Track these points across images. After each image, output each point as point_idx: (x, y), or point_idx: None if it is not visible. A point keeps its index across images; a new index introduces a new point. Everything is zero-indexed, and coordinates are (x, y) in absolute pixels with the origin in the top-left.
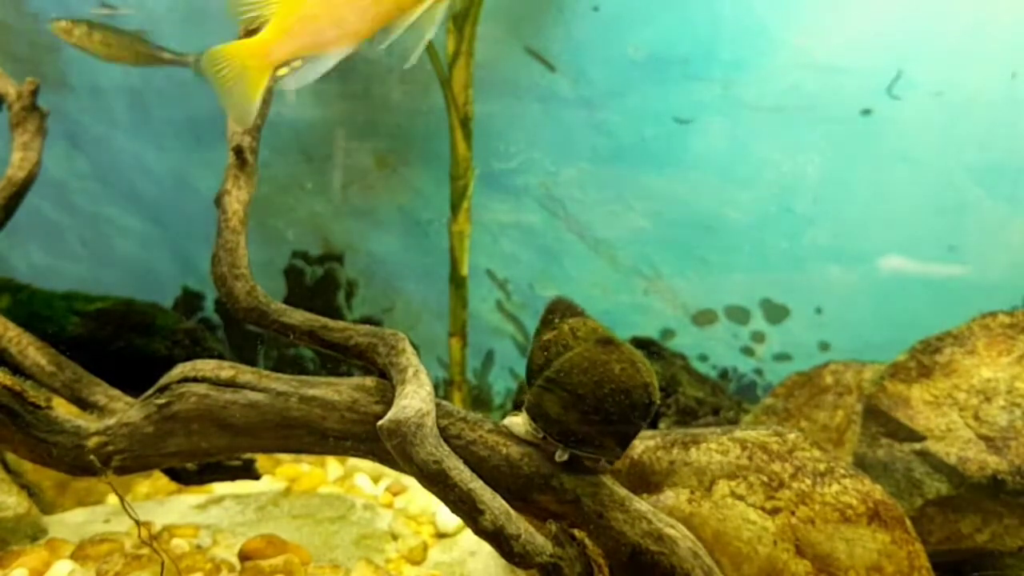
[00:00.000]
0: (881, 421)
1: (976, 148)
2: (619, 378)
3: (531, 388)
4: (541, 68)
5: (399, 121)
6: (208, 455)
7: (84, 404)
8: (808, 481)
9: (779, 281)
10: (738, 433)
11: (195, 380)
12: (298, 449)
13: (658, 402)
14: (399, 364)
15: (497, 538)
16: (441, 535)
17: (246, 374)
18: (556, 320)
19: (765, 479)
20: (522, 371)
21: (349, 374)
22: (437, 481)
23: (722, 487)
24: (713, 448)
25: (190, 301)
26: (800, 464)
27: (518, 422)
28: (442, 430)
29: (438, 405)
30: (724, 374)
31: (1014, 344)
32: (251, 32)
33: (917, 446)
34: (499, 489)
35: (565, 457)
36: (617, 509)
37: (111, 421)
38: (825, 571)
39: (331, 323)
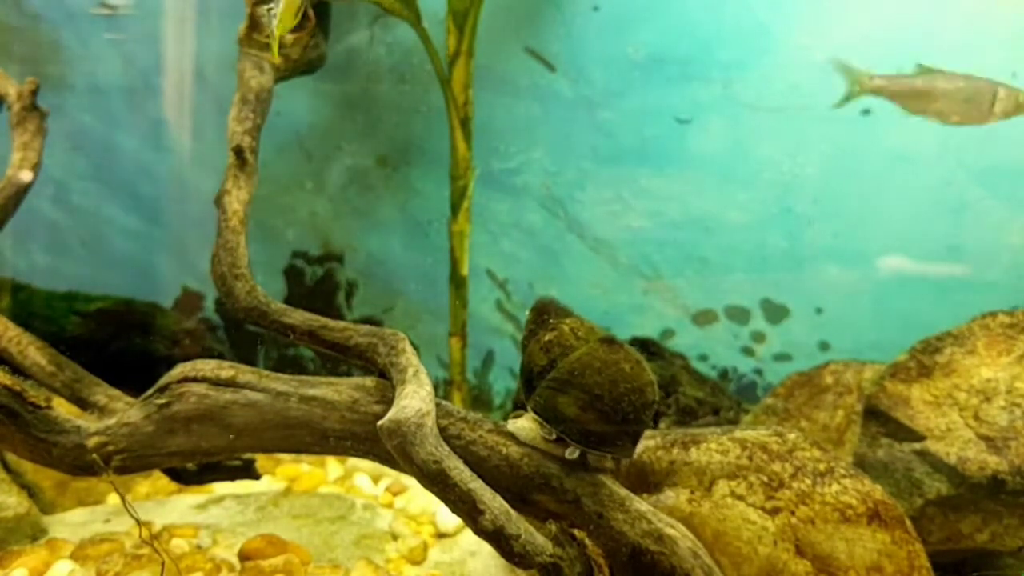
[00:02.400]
0: (881, 421)
1: (976, 148)
2: (631, 376)
3: (538, 390)
4: (541, 68)
5: (399, 121)
6: (208, 455)
7: (84, 404)
8: (808, 481)
9: (779, 281)
10: (738, 433)
11: (195, 380)
12: (298, 449)
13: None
14: (399, 364)
15: (497, 538)
16: (441, 535)
17: (246, 374)
18: (552, 320)
19: (765, 479)
20: None
21: (349, 374)
22: (437, 481)
23: (722, 487)
24: (713, 448)
25: (190, 301)
26: (800, 464)
27: (525, 426)
28: (442, 430)
29: (438, 405)
30: (724, 374)
31: (1014, 344)
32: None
33: (917, 446)
34: (499, 489)
35: (576, 455)
36: (617, 509)
37: (111, 421)
38: (825, 571)
39: (331, 323)
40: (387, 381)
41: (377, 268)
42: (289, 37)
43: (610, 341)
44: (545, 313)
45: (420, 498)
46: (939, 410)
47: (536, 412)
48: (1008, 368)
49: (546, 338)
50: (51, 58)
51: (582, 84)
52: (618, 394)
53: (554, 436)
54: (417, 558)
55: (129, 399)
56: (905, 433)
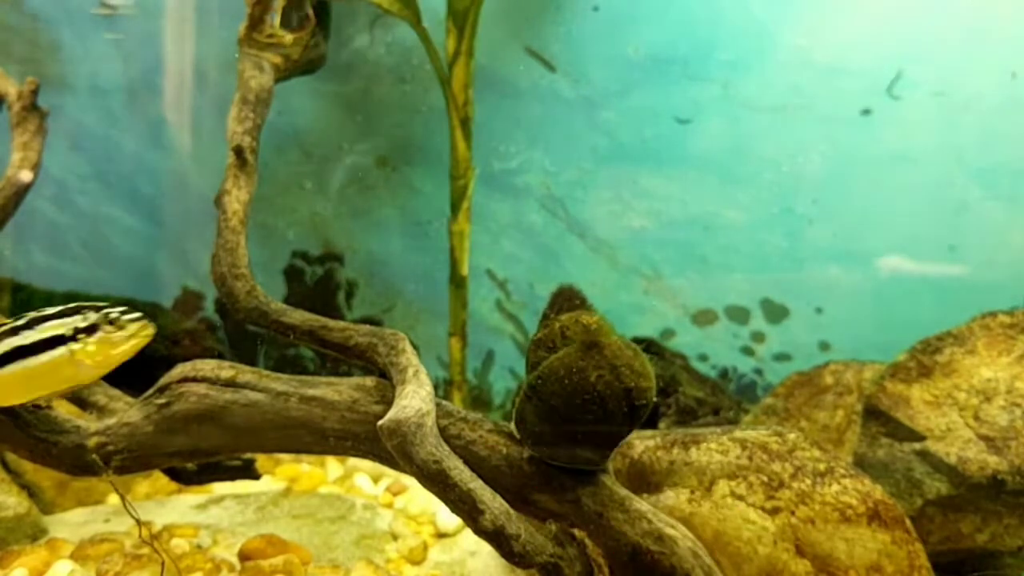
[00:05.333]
0: (881, 421)
1: (976, 148)
2: (594, 387)
3: (520, 392)
4: (541, 68)
5: (399, 121)
6: (208, 455)
7: (84, 404)
8: (808, 481)
9: (779, 281)
10: (738, 433)
11: (195, 380)
12: (298, 449)
13: (648, 403)
14: (399, 364)
15: (497, 538)
16: (441, 535)
17: (246, 374)
18: (552, 315)
19: (765, 479)
20: (521, 371)
21: (349, 374)
22: (437, 481)
23: (722, 487)
24: (713, 448)
25: (190, 301)
26: (800, 464)
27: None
28: (442, 430)
29: (438, 405)
30: (724, 374)
31: (1014, 344)
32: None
33: (917, 446)
34: (499, 489)
35: (527, 454)
36: (617, 509)
37: (111, 421)
38: (825, 571)
39: (331, 323)
40: (387, 381)
41: (377, 268)
42: (289, 37)
43: (589, 345)
44: (552, 306)
45: (420, 498)
46: (939, 410)
47: (513, 415)
48: (1008, 368)
49: (538, 336)
50: (51, 58)
51: (582, 84)
52: (574, 406)
53: (518, 438)
54: (417, 558)
55: (129, 399)
56: (905, 433)
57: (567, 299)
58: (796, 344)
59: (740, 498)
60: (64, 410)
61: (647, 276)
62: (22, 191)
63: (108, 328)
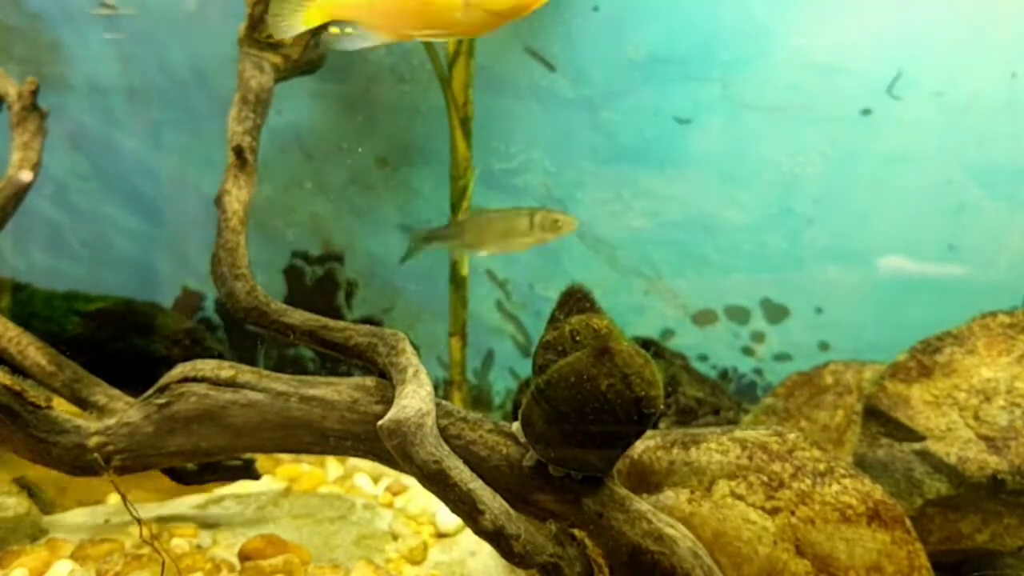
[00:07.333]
0: (881, 421)
1: (976, 148)
2: (605, 396)
3: (526, 394)
4: (541, 68)
5: (399, 121)
6: (208, 455)
7: (84, 404)
8: (808, 481)
9: (779, 281)
10: (738, 433)
11: (195, 380)
12: (298, 449)
13: (656, 412)
14: (399, 364)
15: (497, 538)
16: (441, 535)
17: (246, 374)
18: (562, 317)
19: (765, 479)
20: (522, 371)
21: (349, 374)
22: (437, 481)
23: (722, 487)
24: (713, 448)
25: (190, 301)
26: (800, 464)
27: (519, 427)
28: (442, 430)
29: (438, 405)
30: (724, 374)
31: (1014, 344)
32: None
33: (917, 446)
34: (499, 489)
35: (531, 462)
36: (617, 509)
37: (111, 421)
38: (825, 571)
39: (331, 323)
40: (387, 381)
41: (377, 268)
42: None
43: (601, 352)
44: (562, 307)
45: (420, 498)
46: (939, 410)
47: (520, 417)
48: (1008, 368)
49: (547, 338)
50: (51, 58)
51: (582, 84)
52: (584, 413)
53: (523, 440)
54: (417, 558)
55: (129, 399)
56: (905, 433)
57: (577, 300)
58: (796, 344)
59: (740, 498)
60: (64, 410)
61: (647, 276)
62: (22, 191)
63: None
